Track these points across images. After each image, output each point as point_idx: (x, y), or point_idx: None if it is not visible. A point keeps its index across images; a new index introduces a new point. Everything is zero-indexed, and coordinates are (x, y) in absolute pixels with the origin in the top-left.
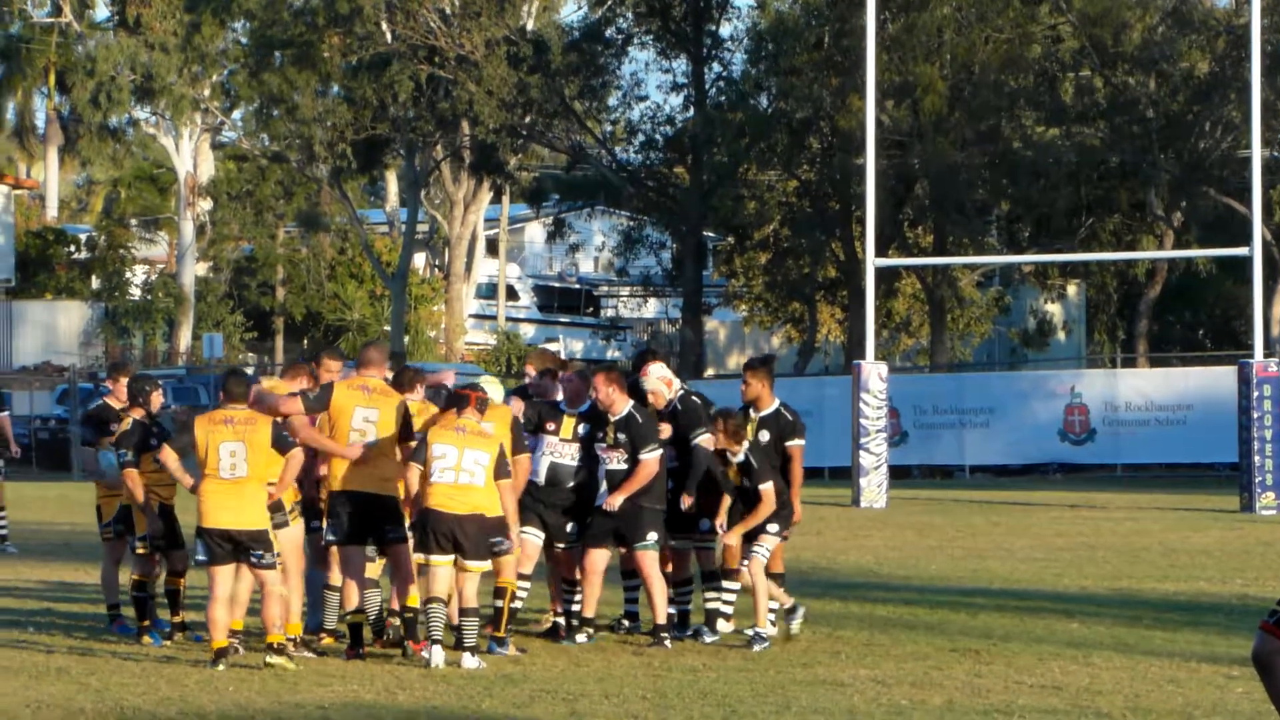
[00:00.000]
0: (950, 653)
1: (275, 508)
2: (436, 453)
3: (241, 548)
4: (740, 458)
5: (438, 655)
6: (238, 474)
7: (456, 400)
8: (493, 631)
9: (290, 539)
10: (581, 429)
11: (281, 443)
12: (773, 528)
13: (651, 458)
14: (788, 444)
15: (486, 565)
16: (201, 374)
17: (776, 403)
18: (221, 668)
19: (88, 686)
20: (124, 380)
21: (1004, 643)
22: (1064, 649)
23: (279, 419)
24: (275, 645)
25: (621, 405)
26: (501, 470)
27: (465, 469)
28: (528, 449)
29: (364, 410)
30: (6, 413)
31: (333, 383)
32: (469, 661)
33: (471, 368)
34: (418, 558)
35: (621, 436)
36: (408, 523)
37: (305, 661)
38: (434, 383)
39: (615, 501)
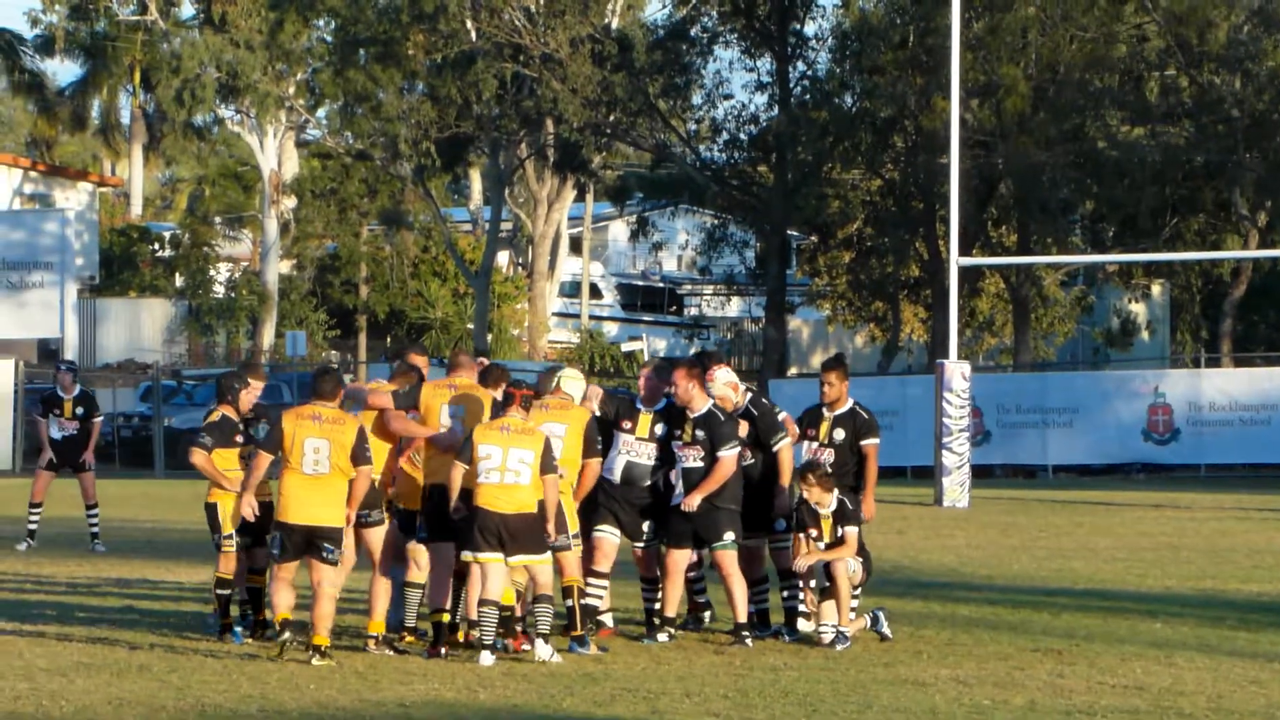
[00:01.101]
0: (1033, 653)
1: (372, 504)
2: (482, 453)
3: (315, 544)
4: (832, 506)
5: (486, 659)
6: (320, 470)
7: (503, 399)
8: (570, 633)
9: (378, 537)
10: (659, 429)
11: (359, 455)
12: (852, 530)
13: (729, 455)
14: (863, 443)
15: (546, 559)
16: (284, 372)
17: (851, 401)
18: (286, 636)
19: (169, 684)
20: (255, 382)
21: (1087, 643)
22: (1147, 649)
23: (373, 417)
24: (321, 649)
25: (701, 402)
26: (548, 465)
27: (510, 469)
28: (599, 453)
29: (451, 408)
30: (100, 418)
31: (423, 380)
32: (542, 650)
33: (555, 366)
34: (466, 556)
35: (700, 434)
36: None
37: (387, 659)
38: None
39: (693, 502)
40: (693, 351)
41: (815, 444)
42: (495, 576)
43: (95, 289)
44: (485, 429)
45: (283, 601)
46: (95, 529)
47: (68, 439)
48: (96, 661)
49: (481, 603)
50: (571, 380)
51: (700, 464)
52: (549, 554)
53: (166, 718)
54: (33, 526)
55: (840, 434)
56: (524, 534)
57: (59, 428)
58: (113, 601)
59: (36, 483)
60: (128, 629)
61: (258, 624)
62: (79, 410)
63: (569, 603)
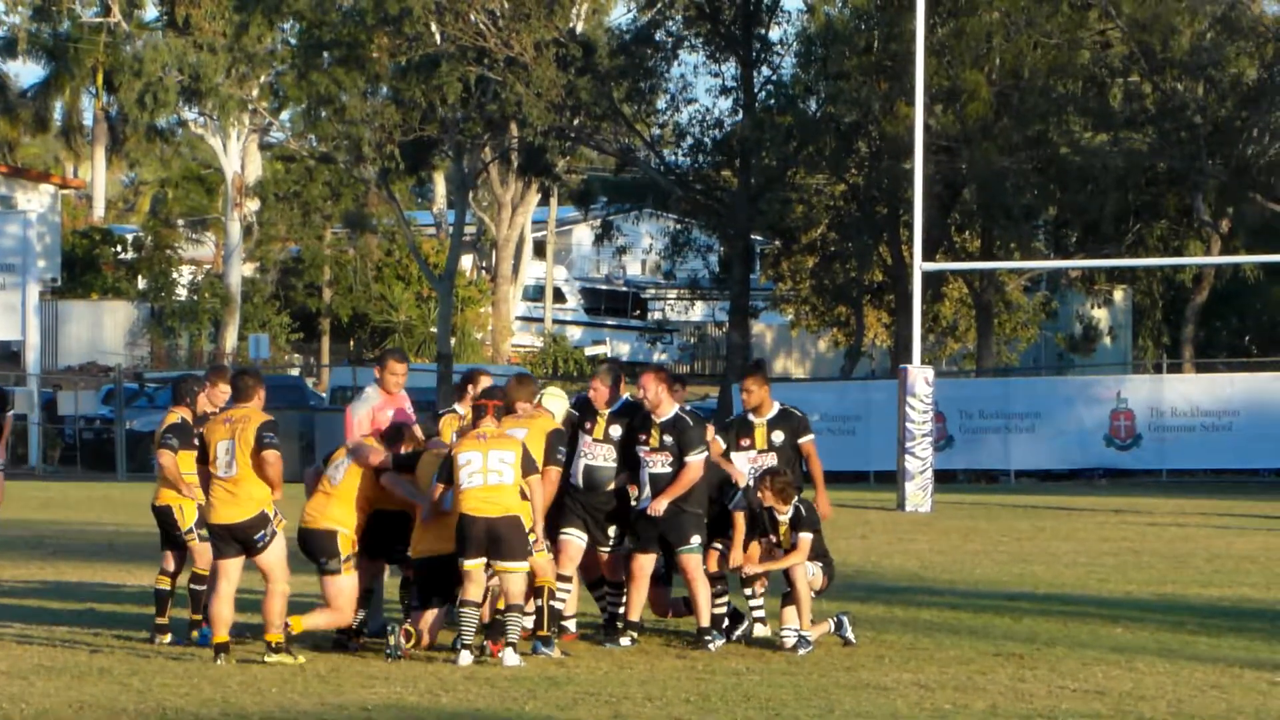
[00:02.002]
0: (994, 657)
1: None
2: (462, 461)
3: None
4: (789, 514)
5: (465, 659)
6: (232, 472)
7: (475, 411)
8: (536, 632)
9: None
10: (615, 430)
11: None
12: (807, 536)
13: (697, 460)
14: (802, 440)
15: (526, 566)
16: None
17: (778, 404)
18: (221, 663)
19: (130, 687)
20: (221, 384)
21: (1048, 647)
22: (1108, 654)
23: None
24: (274, 644)
25: (669, 407)
26: (529, 466)
27: (492, 469)
28: (560, 461)
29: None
30: (10, 413)
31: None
32: (510, 658)
33: (519, 370)
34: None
35: (667, 439)
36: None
37: (350, 662)
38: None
39: (660, 506)
40: (656, 358)
41: (754, 451)
42: (477, 579)
43: (57, 291)
44: (463, 441)
45: (222, 617)
46: None
47: None
48: (57, 665)
49: (463, 603)
50: (553, 399)
51: (668, 469)
52: (527, 564)
53: None
54: None
55: (779, 436)
56: (507, 539)
57: None
58: (73, 605)
59: None
60: (88, 632)
61: (192, 624)
62: None
63: (538, 603)
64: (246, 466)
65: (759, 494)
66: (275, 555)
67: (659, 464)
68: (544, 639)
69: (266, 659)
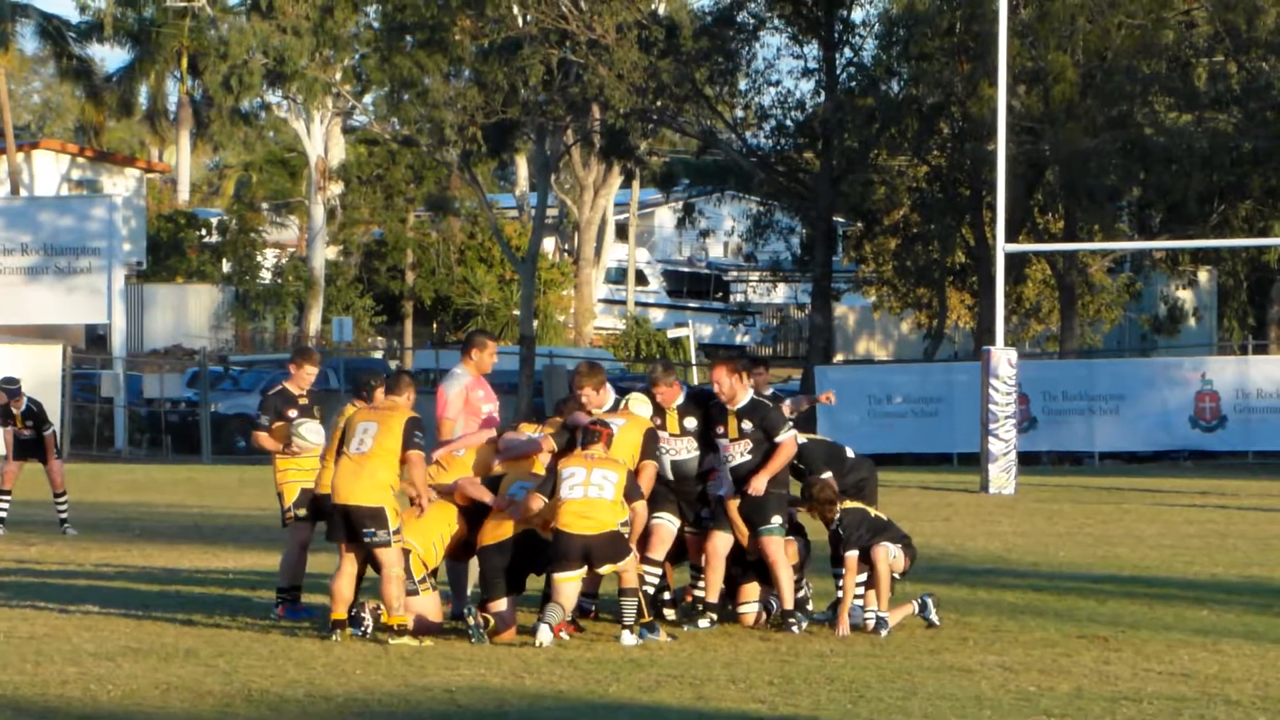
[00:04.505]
0: (1078, 639)
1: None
2: (565, 474)
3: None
4: (830, 530)
5: (544, 634)
6: (364, 449)
7: (587, 435)
8: (640, 620)
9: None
10: (688, 423)
11: (409, 442)
12: (853, 554)
13: (788, 437)
14: (768, 429)
15: (629, 558)
16: (331, 357)
17: (750, 394)
18: (336, 638)
19: (215, 668)
20: (308, 366)
21: (1133, 630)
22: (1193, 636)
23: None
24: (395, 626)
25: (743, 394)
26: (633, 492)
27: (594, 483)
28: (657, 457)
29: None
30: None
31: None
32: (628, 639)
33: (601, 353)
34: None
35: (746, 425)
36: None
37: (434, 645)
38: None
39: (760, 484)
40: (738, 340)
41: (726, 440)
42: (570, 593)
43: (142, 275)
44: (570, 457)
45: (342, 594)
46: (64, 514)
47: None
48: (143, 646)
49: (548, 598)
50: (639, 403)
51: (748, 457)
52: (632, 556)
53: (213, 702)
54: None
55: (748, 424)
56: (606, 548)
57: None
58: (159, 586)
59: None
60: (174, 613)
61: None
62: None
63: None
64: (381, 449)
65: (806, 512)
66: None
67: (738, 454)
68: (648, 625)
69: (390, 641)
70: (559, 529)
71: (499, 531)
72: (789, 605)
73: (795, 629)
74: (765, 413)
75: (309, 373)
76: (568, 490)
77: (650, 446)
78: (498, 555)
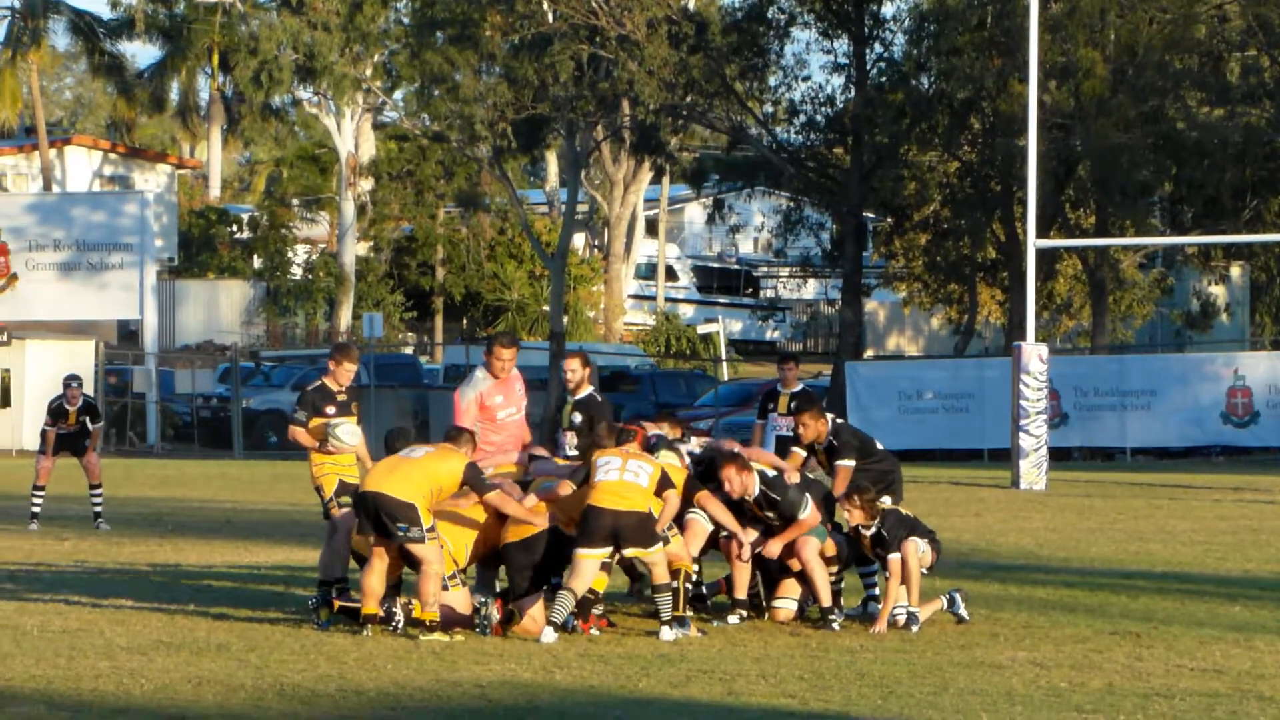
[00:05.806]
0: (1110, 635)
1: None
2: (600, 463)
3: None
4: (873, 531)
5: (549, 635)
6: (413, 455)
7: (623, 433)
8: (674, 613)
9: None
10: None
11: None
12: (896, 556)
13: (808, 515)
14: (785, 514)
15: (659, 548)
16: (362, 353)
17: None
18: (367, 633)
19: (248, 663)
20: (347, 363)
21: (1165, 626)
22: (1226, 632)
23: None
24: (427, 622)
25: (754, 486)
26: (666, 484)
27: (630, 470)
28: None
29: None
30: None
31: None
32: (666, 634)
33: (631, 349)
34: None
35: (769, 514)
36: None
37: (464, 640)
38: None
39: (774, 549)
40: (768, 335)
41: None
42: (588, 571)
43: (174, 271)
44: (606, 450)
45: (372, 590)
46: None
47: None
48: (176, 640)
49: (564, 587)
50: (670, 455)
51: (760, 534)
52: (660, 546)
53: (245, 696)
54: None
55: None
56: (634, 529)
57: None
58: (191, 580)
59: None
60: (206, 608)
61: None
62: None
63: (674, 584)
64: (430, 460)
65: (846, 512)
66: (425, 546)
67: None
68: (679, 619)
69: (422, 637)
70: (590, 505)
71: (525, 529)
72: (826, 603)
73: (835, 625)
74: (783, 496)
75: (348, 369)
76: (603, 473)
77: (688, 485)
78: (523, 553)
